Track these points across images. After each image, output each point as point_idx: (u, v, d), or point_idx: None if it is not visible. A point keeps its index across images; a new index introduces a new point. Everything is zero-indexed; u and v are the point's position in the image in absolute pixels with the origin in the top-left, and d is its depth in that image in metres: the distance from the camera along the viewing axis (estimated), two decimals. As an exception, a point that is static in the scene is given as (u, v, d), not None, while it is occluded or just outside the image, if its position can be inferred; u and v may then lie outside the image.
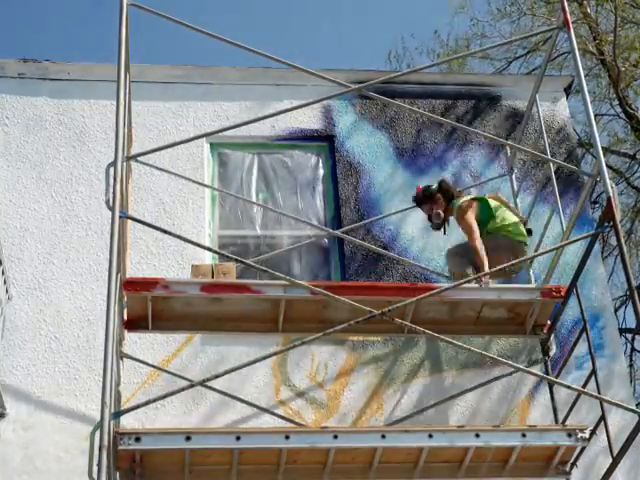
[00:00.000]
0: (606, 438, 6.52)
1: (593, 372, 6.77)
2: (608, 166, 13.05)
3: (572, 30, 7.29)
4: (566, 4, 7.43)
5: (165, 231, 6.49)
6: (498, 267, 6.99)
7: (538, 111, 7.99)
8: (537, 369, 7.42)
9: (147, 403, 6.01)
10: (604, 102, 15.95)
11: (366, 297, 6.71)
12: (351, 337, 7.54)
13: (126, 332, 6.94)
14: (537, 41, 15.67)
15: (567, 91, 9.31)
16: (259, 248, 8.22)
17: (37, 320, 7.47)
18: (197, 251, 7.73)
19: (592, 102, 11.92)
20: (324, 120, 8.76)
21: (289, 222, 8.29)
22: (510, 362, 6.91)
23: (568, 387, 6.63)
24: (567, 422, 7.00)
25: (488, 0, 16.89)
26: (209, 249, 7.00)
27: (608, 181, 6.66)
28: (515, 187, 8.36)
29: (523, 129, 8.38)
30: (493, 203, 7.51)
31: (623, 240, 6.72)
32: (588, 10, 15.14)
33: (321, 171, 8.65)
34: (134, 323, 6.86)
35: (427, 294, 6.58)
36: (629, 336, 15.51)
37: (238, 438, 6.16)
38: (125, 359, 6.90)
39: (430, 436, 6.35)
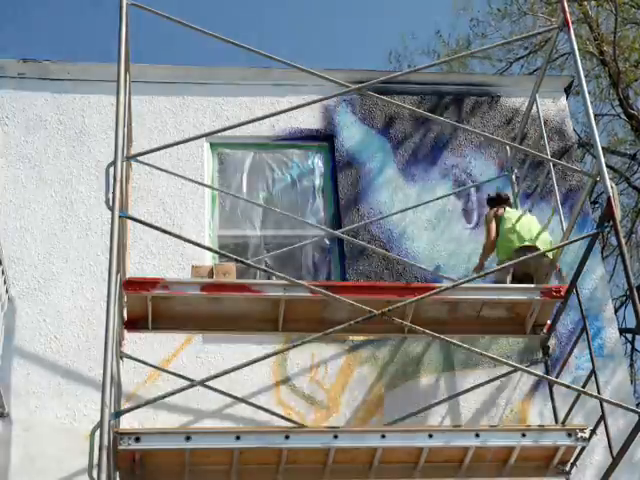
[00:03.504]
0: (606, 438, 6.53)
1: (593, 372, 6.77)
2: (608, 166, 13.05)
3: (572, 30, 7.31)
4: (566, 4, 7.44)
5: (165, 231, 6.49)
6: (498, 267, 7.02)
7: (538, 111, 7.99)
8: (537, 369, 7.42)
9: (147, 403, 6.02)
10: (604, 102, 15.96)
11: (366, 297, 6.72)
12: (351, 337, 7.54)
13: (126, 332, 6.95)
14: (538, 42, 15.68)
15: (567, 91, 9.30)
16: (259, 248, 8.21)
17: (37, 320, 7.46)
18: (197, 251, 7.72)
19: (592, 102, 11.94)
20: (324, 120, 8.75)
21: (289, 222, 8.29)
22: (510, 362, 6.92)
23: (568, 387, 6.64)
24: (567, 422, 7.01)
25: (489, 0, 16.92)
26: (209, 249, 7.00)
27: (608, 181, 6.67)
28: (515, 187, 8.37)
29: (523, 129, 8.38)
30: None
31: (623, 240, 6.73)
32: (588, 10, 15.14)
33: (321, 171, 8.65)
34: (134, 323, 6.87)
35: (427, 294, 6.59)
36: (629, 336, 15.52)
37: (238, 438, 6.18)
38: (125, 359, 6.91)
39: (430, 436, 6.36)
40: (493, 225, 7.65)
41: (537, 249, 7.27)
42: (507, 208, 7.76)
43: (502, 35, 16.19)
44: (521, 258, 6.99)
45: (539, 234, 7.48)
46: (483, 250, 7.71)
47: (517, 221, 7.56)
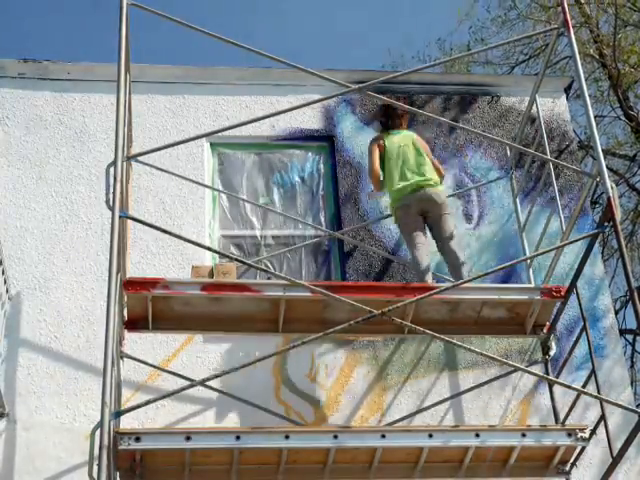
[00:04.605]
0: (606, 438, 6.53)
1: (593, 372, 6.77)
2: (608, 168, 13.05)
3: (572, 30, 7.31)
4: (566, 5, 7.44)
5: (165, 231, 6.49)
6: (498, 267, 7.02)
7: (538, 111, 8.00)
8: (537, 369, 7.42)
9: (147, 403, 6.01)
10: (604, 104, 15.97)
11: (366, 297, 6.72)
12: (351, 337, 7.54)
13: (126, 332, 6.95)
14: (538, 47, 15.71)
15: (567, 91, 9.31)
16: (259, 248, 8.22)
17: (37, 320, 7.46)
18: (197, 251, 7.73)
19: (592, 105, 11.93)
20: (324, 120, 8.75)
21: (289, 222, 8.29)
22: (510, 362, 6.91)
23: (568, 387, 6.64)
24: (567, 422, 7.00)
25: (487, 7, 17.00)
26: (209, 249, 7.00)
27: (608, 181, 6.67)
28: (515, 187, 8.38)
29: (523, 129, 8.38)
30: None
31: (623, 241, 6.73)
32: (588, 12, 15.15)
33: (321, 171, 8.65)
34: (134, 323, 6.87)
35: (427, 294, 6.59)
36: (629, 337, 15.53)
37: (238, 438, 6.17)
38: (125, 359, 6.91)
39: (430, 436, 6.36)
40: (375, 155, 7.64)
41: (427, 187, 7.38)
42: (388, 139, 7.69)
43: (502, 41, 16.19)
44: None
45: (423, 165, 7.54)
46: (372, 180, 7.74)
47: (399, 160, 7.55)
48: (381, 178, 7.64)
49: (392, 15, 27.22)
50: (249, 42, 7.02)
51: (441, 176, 7.75)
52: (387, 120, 7.87)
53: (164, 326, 6.95)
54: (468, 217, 8.43)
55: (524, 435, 6.44)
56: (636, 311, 6.19)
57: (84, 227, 7.92)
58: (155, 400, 6.09)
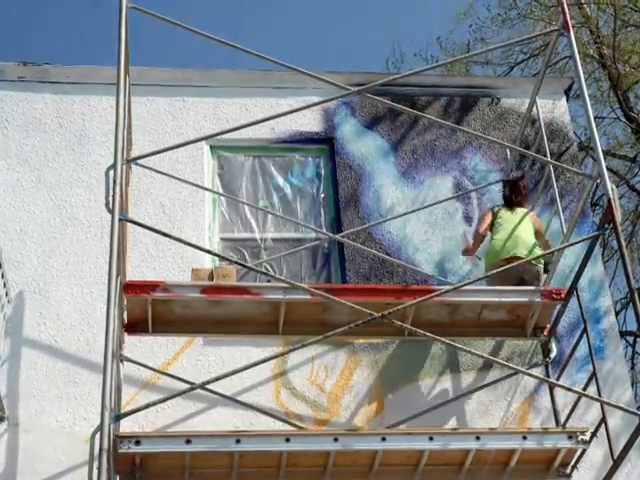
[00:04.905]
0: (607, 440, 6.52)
1: (594, 374, 6.76)
2: (608, 169, 13.03)
3: (572, 31, 7.30)
4: (566, 6, 7.43)
5: (165, 234, 6.48)
6: (498, 269, 7.01)
7: (538, 113, 7.99)
8: (538, 371, 7.42)
9: (147, 406, 6.00)
10: (605, 105, 15.97)
11: (366, 300, 6.72)
12: (351, 339, 7.53)
13: (126, 335, 6.94)
14: (538, 46, 15.71)
15: (567, 93, 9.31)
16: (259, 251, 8.21)
17: (37, 323, 7.45)
18: (197, 254, 7.71)
19: (592, 105, 11.93)
20: (324, 123, 8.74)
21: (289, 225, 8.28)
22: (510, 364, 6.91)
23: (569, 389, 6.64)
24: (568, 424, 7.00)
25: (488, 6, 17.00)
26: (209, 252, 6.99)
27: (608, 183, 6.66)
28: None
29: (523, 131, 8.38)
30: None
31: (624, 242, 6.72)
32: (588, 13, 15.15)
33: (321, 174, 8.65)
34: (134, 326, 6.87)
35: (427, 297, 6.58)
36: (630, 339, 15.51)
37: (238, 441, 6.17)
38: (125, 362, 6.90)
39: (430, 439, 6.35)
40: (486, 220, 7.71)
41: (523, 258, 7.19)
42: (503, 211, 7.70)
43: (502, 40, 16.19)
44: (501, 268, 6.99)
45: (528, 244, 7.41)
46: (474, 239, 7.83)
47: (508, 229, 7.50)
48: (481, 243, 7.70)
49: (392, 15, 27.21)
50: (249, 45, 7.03)
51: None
52: (510, 195, 7.81)
53: (164, 329, 6.95)
54: (468, 219, 8.42)
55: (525, 438, 6.44)
56: (636, 312, 6.18)
57: (84, 230, 7.91)
58: (155, 403, 6.09)
